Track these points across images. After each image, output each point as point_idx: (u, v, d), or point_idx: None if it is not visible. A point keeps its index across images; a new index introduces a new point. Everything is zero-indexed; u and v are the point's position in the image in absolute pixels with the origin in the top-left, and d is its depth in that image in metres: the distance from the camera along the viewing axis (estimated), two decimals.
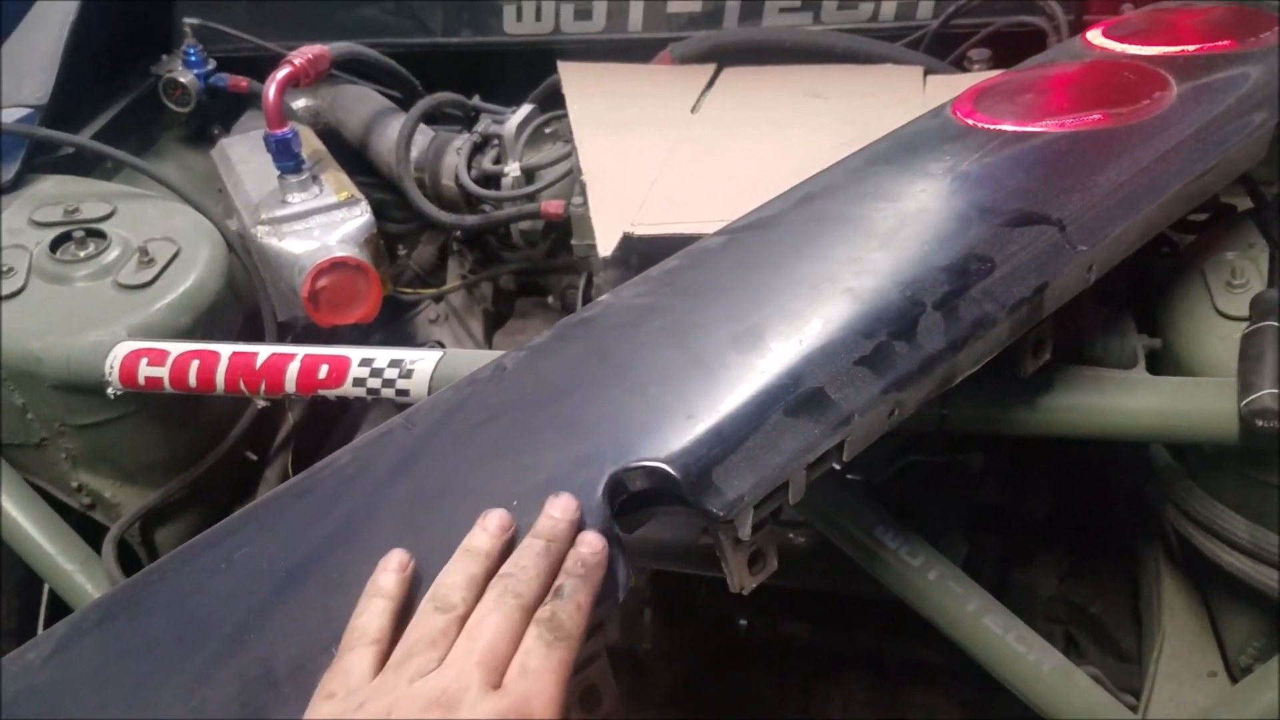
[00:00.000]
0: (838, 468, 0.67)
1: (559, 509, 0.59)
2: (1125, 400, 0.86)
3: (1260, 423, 0.78)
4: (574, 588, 0.56)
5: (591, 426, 0.66)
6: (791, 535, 1.25)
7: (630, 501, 0.65)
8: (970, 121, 0.89)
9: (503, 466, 0.64)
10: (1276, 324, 0.83)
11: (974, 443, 1.21)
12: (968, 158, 0.82)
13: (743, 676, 1.59)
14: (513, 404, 0.70)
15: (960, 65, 1.38)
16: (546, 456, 0.64)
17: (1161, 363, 0.97)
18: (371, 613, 0.54)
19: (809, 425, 0.64)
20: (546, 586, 0.55)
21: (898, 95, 1.19)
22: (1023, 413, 0.87)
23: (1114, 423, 0.86)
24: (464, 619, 0.53)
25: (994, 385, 0.87)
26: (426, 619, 0.53)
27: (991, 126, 0.87)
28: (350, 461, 0.69)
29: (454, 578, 0.55)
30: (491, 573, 0.56)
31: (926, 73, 1.29)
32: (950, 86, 1.14)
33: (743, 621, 1.51)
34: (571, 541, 0.58)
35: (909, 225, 0.75)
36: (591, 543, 0.58)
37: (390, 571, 0.56)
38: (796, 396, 0.65)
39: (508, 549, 0.58)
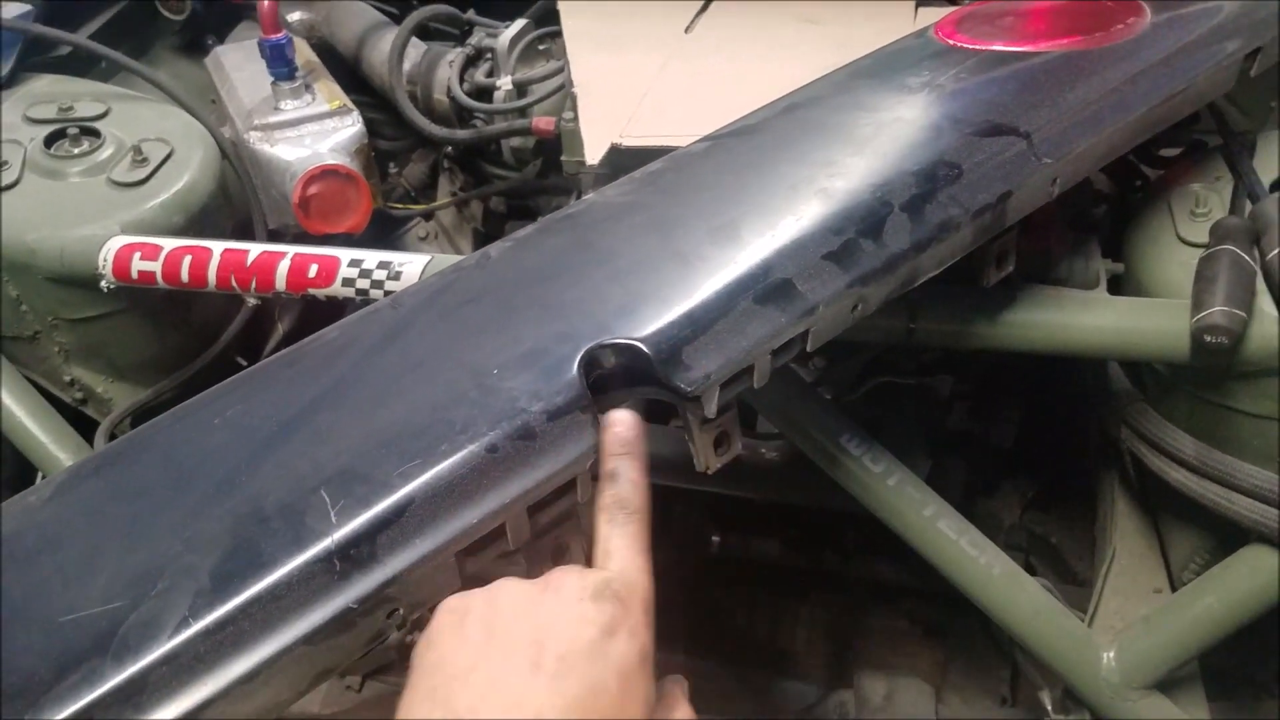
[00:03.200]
0: (805, 374, 0.70)
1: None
2: (1084, 317, 0.90)
3: (1209, 338, 0.82)
4: (625, 465, 0.61)
5: (571, 308, 0.69)
6: (764, 450, 1.29)
7: (605, 382, 0.68)
8: (951, 41, 0.91)
9: (485, 340, 0.67)
10: (1232, 248, 0.86)
11: (944, 367, 1.25)
12: (945, 73, 0.84)
13: (714, 594, 1.65)
14: (496, 286, 0.73)
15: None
16: (527, 331, 0.67)
17: (1123, 287, 1.01)
18: None
19: (775, 313, 0.68)
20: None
21: (890, 24, 1.20)
22: (985, 326, 0.91)
23: (1072, 339, 0.90)
24: None
25: (960, 299, 0.91)
26: None
27: (971, 46, 0.89)
28: (338, 336, 0.72)
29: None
30: None
31: (919, 3, 1.31)
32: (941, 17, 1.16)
33: (715, 538, 1.56)
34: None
35: (884, 132, 0.78)
36: (624, 419, 0.63)
37: None
38: (766, 286, 0.68)
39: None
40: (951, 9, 1.24)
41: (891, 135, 0.78)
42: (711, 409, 0.67)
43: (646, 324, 0.67)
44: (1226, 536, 1.00)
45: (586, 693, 0.49)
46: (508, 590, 0.55)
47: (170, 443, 0.63)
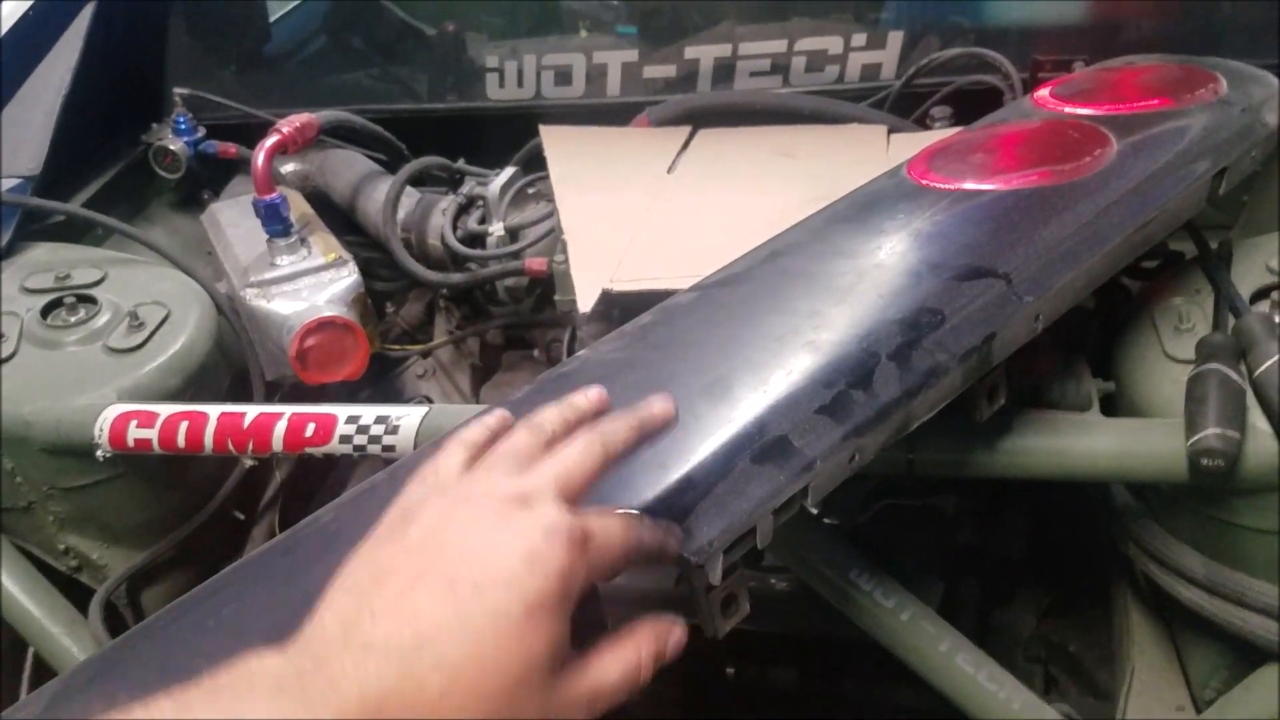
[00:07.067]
0: (812, 510, 0.70)
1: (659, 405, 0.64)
2: (1079, 441, 0.90)
3: (1205, 461, 0.82)
4: (631, 429, 0.61)
5: None
6: (773, 580, 1.27)
7: None
8: (923, 181, 0.94)
9: None
10: (1219, 366, 0.87)
11: (948, 485, 1.25)
12: (920, 215, 0.86)
13: None
14: None
15: (923, 123, 1.44)
16: None
17: (1116, 405, 1.01)
18: (478, 427, 0.61)
19: (774, 471, 0.68)
20: (624, 453, 0.60)
21: (863, 153, 1.25)
22: (983, 455, 0.90)
23: (1070, 464, 0.90)
24: (552, 445, 0.58)
25: (955, 430, 0.91)
26: (519, 435, 0.59)
27: (943, 186, 0.92)
28: (333, 519, 0.71)
29: (551, 413, 0.61)
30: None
31: (890, 131, 1.35)
32: (912, 144, 1.20)
33: (729, 670, 1.52)
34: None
35: (865, 280, 0.79)
36: (666, 408, 0.64)
37: (498, 415, 0.63)
38: (762, 444, 0.68)
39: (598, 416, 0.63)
40: (925, 135, 1.28)
41: (872, 283, 0.79)
42: (716, 576, 0.66)
43: (645, 491, 0.66)
44: (1245, 652, 0.97)
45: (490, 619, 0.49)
46: (470, 507, 0.53)
47: (165, 647, 0.62)
